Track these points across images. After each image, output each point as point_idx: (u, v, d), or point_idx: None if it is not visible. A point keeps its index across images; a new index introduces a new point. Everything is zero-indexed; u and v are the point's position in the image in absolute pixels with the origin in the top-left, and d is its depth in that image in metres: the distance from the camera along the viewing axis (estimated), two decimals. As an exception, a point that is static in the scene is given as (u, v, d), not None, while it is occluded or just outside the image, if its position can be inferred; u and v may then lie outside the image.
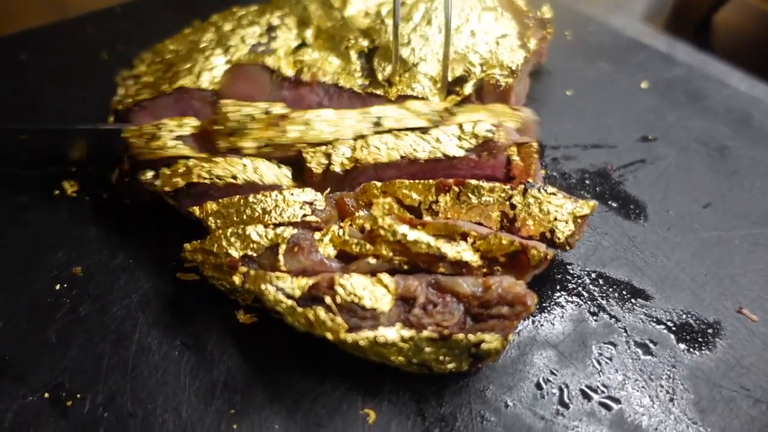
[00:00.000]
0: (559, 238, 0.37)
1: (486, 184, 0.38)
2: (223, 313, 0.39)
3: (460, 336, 0.32)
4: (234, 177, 0.38)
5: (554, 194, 0.38)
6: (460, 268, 0.35)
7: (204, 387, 0.35)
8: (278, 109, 0.42)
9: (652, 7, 0.83)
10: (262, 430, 0.33)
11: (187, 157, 0.39)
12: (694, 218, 0.45)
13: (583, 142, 0.52)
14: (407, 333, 0.32)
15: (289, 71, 0.44)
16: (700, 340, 0.38)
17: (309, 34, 0.52)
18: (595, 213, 0.46)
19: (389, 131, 0.42)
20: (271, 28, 0.51)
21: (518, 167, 0.40)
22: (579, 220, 0.37)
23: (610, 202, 0.47)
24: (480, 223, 0.38)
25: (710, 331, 0.38)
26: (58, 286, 0.41)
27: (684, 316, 0.39)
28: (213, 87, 0.45)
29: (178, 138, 0.40)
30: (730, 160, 0.50)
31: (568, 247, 0.38)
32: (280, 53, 0.48)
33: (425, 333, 0.32)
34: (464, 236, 0.36)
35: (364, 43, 0.50)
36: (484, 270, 0.36)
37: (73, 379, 0.36)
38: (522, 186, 0.38)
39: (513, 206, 0.38)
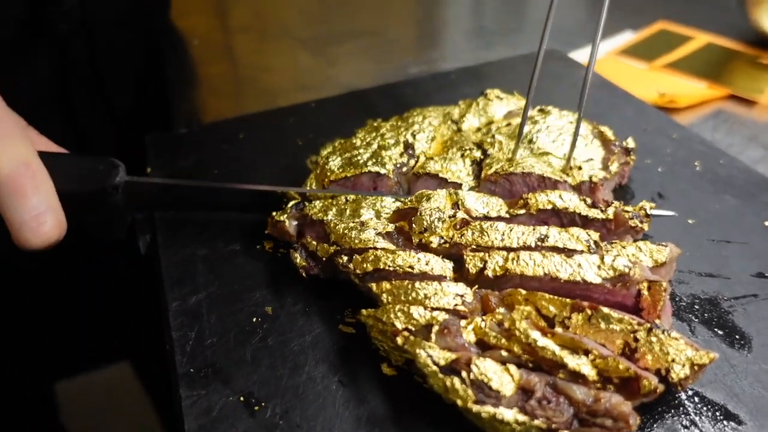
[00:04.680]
0: (672, 378, 0.43)
1: (616, 315, 0.45)
2: (371, 363, 0.50)
3: (564, 431, 0.40)
4: (411, 267, 0.50)
5: (676, 339, 0.43)
6: (577, 378, 0.42)
7: (351, 418, 0.46)
8: (461, 214, 0.54)
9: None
10: (393, 460, 0.43)
11: (375, 248, 0.52)
12: (800, 358, 0.49)
13: (698, 269, 0.57)
14: (521, 417, 0.40)
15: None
16: (787, 471, 0.41)
17: (433, 146, 0.65)
18: (699, 336, 0.51)
19: (551, 248, 0.51)
20: (407, 146, 0.65)
21: (647, 301, 0.47)
22: (696, 367, 0.43)
23: (716, 329, 0.52)
24: (603, 345, 0.45)
25: (799, 465, 0.42)
26: (254, 319, 0.54)
27: (775, 446, 0.43)
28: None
29: (379, 234, 0.53)
30: None
31: (680, 388, 0.43)
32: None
33: (536, 422, 0.40)
34: (587, 352, 0.43)
35: (477, 153, 0.62)
36: (598, 385, 0.42)
37: (260, 390, 0.48)
38: (648, 325, 0.44)
39: (636, 339, 0.44)
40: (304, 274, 0.56)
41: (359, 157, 0.63)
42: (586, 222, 0.54)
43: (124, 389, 1.41)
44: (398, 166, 0.62)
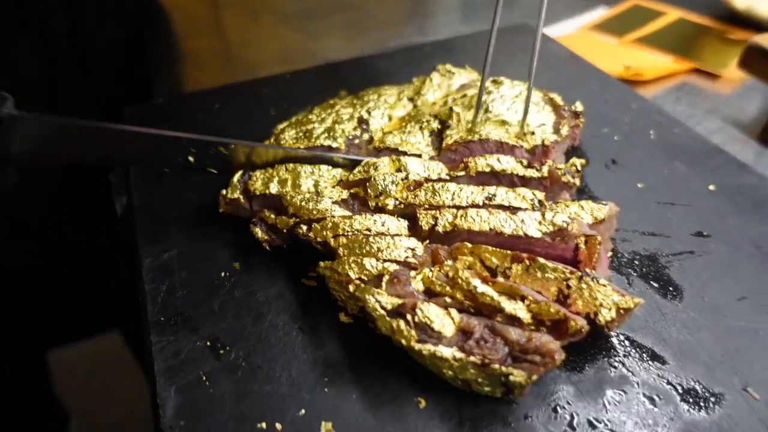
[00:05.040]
0: (600, 321, 0.47)
1: (551, 265, 0.49)
2: (329, 313, 0.53)
3: (496, 366, 0.44)
4: (368, 229, 0.53)
5: (604, 286, 0.47)
6: (513, 321, 0.46)
7: (309, 360, 0.50)
8: (413, 176, 0.57)
9: (756, 116, 0.88)
10: (344, 396, 0.47)
11: (333, 216, 0.54)
12: (726, 307, 0.53)
13: (642, 229, 0.61)
14: (459, 354, 0.44)
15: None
16: (701, 404, 0.45)
17: (389, 122, 0.67)
18: (635, 288, 0.55)
19: (498, 206, 0.54)
20: (361, 121, 0.67)
21: (583, 254, 0.51)
22: (622, 311, 0.47)
23: (652, 282, 0.55)
24: (539, 292, 0.49)
25: (713, 399, 0.46)
26: (222, 273, 0.58)
27: (693, 383, 0.47)
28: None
29: (335, 203, 0.56)
30: (777, 264, 0.57)
31: (606, 330, 0.47)
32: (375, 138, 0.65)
33: (472, 358, 0.44)
34: (523, 298, 0.47)
35: (435, 124, 0.65)
36: (532, 328, 0.46)
37: (226, 336, 0.52)
38: (579, 273, 0.48)
39: (569, 286, 0.48)
40: (267, 248, 0.58)
41: (313, 131, 0.66)
42: (524, 182, 0.58)
43: (114, 358, 1.45)
44: (350, 138, 0.65)
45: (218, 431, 0.45)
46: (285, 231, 0.58)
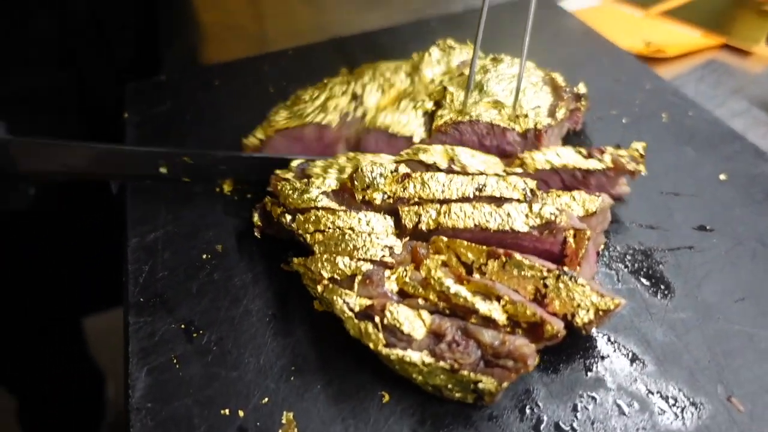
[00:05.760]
0: (577, 323, 0.45)
1: (527, 262, 0.46)
2: (305, 301, 0.53)
3: (465, 372, 0.42)
4: (351, 228, 0.50)
5: (582, 286, 0.45)
6: (488, 322, 0.44)
7: (279, 347, 0.50)
8: (403, 168, 0.54)
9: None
10: (310, 385, 0.47)
11: (318, 208, 0.52)
12: (721, 309, 0.50)
13: (641, 221, 0.58)
14: (428, 359, 0.43)
15: None
16: (678, 413, 0.43)
17: (385, 99, 0.65)
18: (623, 285, 0.52)
19: (489, 197, 0.51)
20: (355, 97, 0.64)
21: (570, 249, 0.48)
22: (600, 313, 0.44)
23: (642, 279, 0.52)
24: (516, 291, 0.47)
25: (693, 408, 0.43)
26: (204, 256, 0.58)
27: (673, 390, 0.44)
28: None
29: (323, 193, 0.54)
30: (783, 263, 0.53)
31: (584, 332, 0.45)
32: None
33: (441, 363, 0.42)
34: (498, 298, 0.45)
35: (429, 105, 0.62)
36: (508, 330, 0.44)
37: (200, 320, 0.52)
38: (557, 272, 0.46)
39: (546, 285, 0.46)
40: (257, 234, 0.57)
41: (305, 110, 0.64)
42: (586, 175, 0.54)
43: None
44: (344, 114, 0.63)
45: (183, 416, 0.45)
46: (276, 220, 0.56)
